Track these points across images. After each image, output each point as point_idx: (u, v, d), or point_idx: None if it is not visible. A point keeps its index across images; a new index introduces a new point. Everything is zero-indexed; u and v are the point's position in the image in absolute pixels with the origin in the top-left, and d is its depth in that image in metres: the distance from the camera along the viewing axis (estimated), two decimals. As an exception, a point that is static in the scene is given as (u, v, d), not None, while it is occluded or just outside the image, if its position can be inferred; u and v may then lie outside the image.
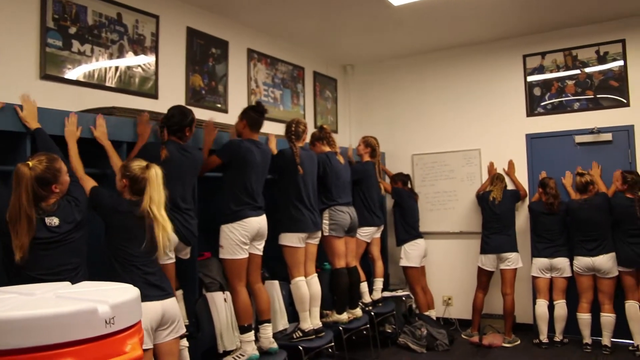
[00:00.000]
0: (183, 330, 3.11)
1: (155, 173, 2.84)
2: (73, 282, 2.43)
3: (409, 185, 6.23)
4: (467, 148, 6.25)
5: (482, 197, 5.79)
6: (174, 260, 3.34)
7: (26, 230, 2.37)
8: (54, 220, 2.49)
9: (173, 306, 2.94)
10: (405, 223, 5.93)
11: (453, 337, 5.56)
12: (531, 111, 5.97)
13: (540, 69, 5.95)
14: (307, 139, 4.59)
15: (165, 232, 2.79)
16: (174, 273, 3.35)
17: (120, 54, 4.18)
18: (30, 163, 2.47)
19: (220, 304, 3.82)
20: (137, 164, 2.89)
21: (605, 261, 4.95)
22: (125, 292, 1.55)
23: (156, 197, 2.80)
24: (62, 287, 1.72)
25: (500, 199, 5.56)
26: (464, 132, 6.30)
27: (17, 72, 3.49)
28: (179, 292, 3.48)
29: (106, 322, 1.33)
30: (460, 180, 6.29)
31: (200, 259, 3.91)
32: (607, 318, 4.99)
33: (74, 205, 2.63)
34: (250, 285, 3.85)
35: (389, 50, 6.51)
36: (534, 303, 5.43)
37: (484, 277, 5.66)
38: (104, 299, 1.40)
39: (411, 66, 6.70)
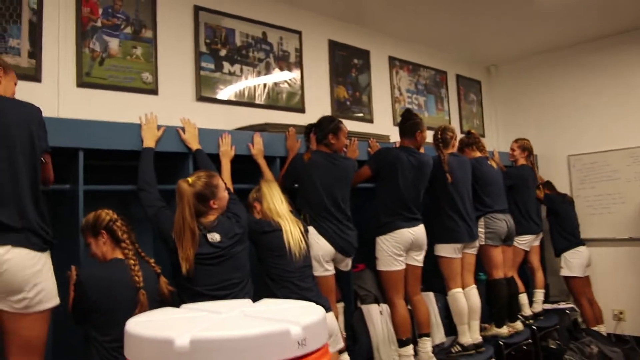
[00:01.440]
0: (341, 345, 3.07)
1: (267, 186, 3.06)
2: (239, 297, 2.48)
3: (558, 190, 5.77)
4: (634, 145, 5.63)
5: None
6: (332, 273, 3.28)
7: (190, 243, 2.44)
8: (216, 236, 2.54)
9: (330, 321, 2.91)
10: (563, 230, 5.46)
11: (630, 357, 4.97)
12: None
13: None
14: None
15: (292, 237, 2.90)
16: (333, 285, 3.30)
17: (267, 71, 4.30)
18: (190, 180, 2.56)
19: (376, 316, 3.75)
20: (253, 191, 3.11)
21: None
22: (313, 311, 1.50)
23: (277, 202, 3.00)
24: (246, 306, 1.71)
25: None
26: (628, 129, 5.68)
27: (177, 96, 3.74)
28: (340, 305, 3.45)
29: (298, 343, 1.29)
30: (627, 180, 5.67)
31: (354, 270, 3.86)
32: None
33: (234, 221, 2.68)
34: (408, 297, 3.73)
35: (535, 46, 6.10)
36: None
37: (664, 289, 5.05)
38: (294, 319, 1.35)
39: (560, 61, 6.22)
